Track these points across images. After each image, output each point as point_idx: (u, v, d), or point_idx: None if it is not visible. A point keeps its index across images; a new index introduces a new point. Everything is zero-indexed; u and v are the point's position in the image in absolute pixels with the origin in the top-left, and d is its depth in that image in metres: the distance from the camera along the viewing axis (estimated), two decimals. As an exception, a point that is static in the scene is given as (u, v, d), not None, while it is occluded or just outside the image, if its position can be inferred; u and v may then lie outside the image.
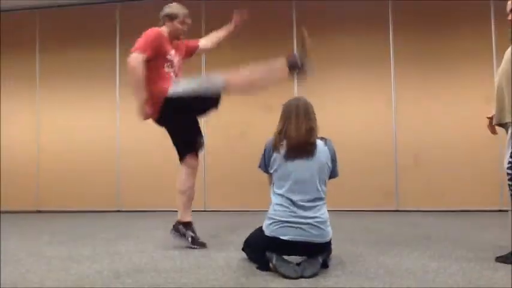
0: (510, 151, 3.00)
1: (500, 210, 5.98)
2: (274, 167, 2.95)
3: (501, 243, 3.40)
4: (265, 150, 3.11)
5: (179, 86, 3.63)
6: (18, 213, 6.76)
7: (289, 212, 2.76)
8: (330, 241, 2.83)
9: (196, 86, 3.68)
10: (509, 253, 2.95)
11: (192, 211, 6.53)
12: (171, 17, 3.81)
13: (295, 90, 6.74)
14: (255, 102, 6.82)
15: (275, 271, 2.63)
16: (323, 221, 2.75)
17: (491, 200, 6.12)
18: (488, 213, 5.71)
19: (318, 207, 2.77)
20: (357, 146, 6.51)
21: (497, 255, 2.99)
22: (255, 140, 6.77)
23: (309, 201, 2.77)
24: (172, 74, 3.75)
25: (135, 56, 3.51)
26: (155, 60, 3.62)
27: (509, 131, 3.04)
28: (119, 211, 6.77)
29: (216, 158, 6.84)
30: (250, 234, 3.08)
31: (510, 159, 2.99)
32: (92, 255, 3.37)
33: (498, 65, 6.13)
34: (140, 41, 3.59)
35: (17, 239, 4.20)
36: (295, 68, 3.71)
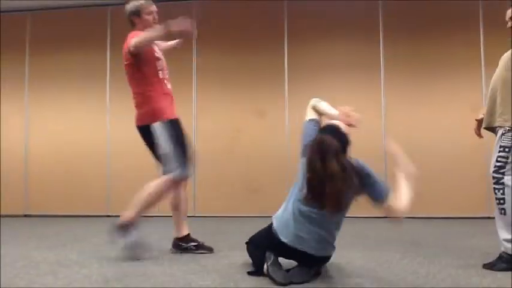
0: (497, 155, 3.04)
1: (487, 217, 6.04)
2: (301, 171, 2.85)
3: (489, 250, 3.43)
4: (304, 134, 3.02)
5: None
6: (5, 218, 6.68)
7: (295, 218, 2.68)
8: (330, 256, 2.80)
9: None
10: (495, 260, 3.00)
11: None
12: (137, 13, 3.63)
13: (286, 95, 6.77)
14: (247, 107, 6.84)
15: (267, 274, 2.63)
16: (327, 238, 2.67)
17: (478, 207, 6.18)
18: (475, 220, 5.76)
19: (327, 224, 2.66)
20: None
21: (484, 262, 3.03)
22: (247, 145, 6.82)
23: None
24: (165, 81, 3.66)
25: (134, 40, 3.41)
26: (148, 67, 3.54)
27: (498, 135, 3.08)
28: (108, 216, 6.72)
29: (207, 163, 6.83)
30: (259, 230, 2.97)
31: (496, 164, 3.03)
32: (81, 260, 3.35)
33: (487, 74, 6.31)
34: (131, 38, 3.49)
35: (4, 244, 4.15)
36: None
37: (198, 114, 6.95)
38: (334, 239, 2.71)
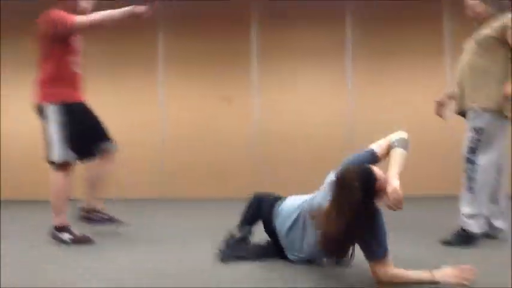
0: (470, 136, 3.11)
1: (449, 196, 6.21)
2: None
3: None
4: None
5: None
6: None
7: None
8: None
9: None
10: (453, 236, 3.07)
11: (148, 199, 6.50)
12: None
13: (254, 81, 6.75)
14: (214, 93, 6.80)
15: (228, 242, 2.71)
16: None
17: (439, 187, 6.37)
18: (435, 199, 5.90)
19: None
20: (313, 137, 6.61)
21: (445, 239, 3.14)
22: (214, 131, 6.79)
23: None
24: (75, 64, 3.38)
25: (76, 21, 3.16)
26: (64, 46, 3.27)
27: (470, 117, 3.16)
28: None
29: (175, 149, 6.79)
30: (268, 196, 2.82)
31: (469, 144, 3.11)
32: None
33: (451, 59, 6.44)
34: (56, 18, 3.19)
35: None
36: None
37: (166, 101, 6.86)
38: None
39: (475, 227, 3.04)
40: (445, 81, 6.48)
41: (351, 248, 2.11)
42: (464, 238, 3.04)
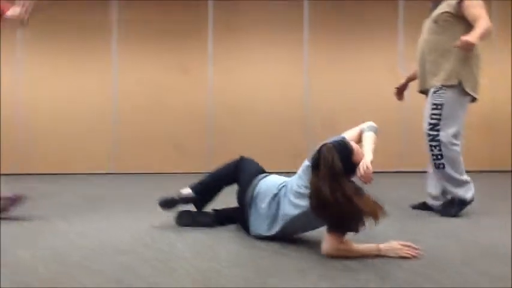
0: (430, 113, 3.19)
1: (402, 172, 6.43)
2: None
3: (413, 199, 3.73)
4: None
5: None
6: None
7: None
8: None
9: None
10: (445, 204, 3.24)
11: (102, 174, 6.37)
12: None
13: (210, 51, 6.65)
14: (170, 63, 6.65)
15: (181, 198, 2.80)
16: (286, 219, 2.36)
17: (393, 162, 6.57)
18: (391, 174, 6.09)
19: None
20: (269, 110, 6.62)
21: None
22: (170, 102, 6.66)
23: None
24: None
25: None
26: None
27: (429, 94, 3.24)
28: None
29: (129, 120, 6.63)
30: (252, 168, 2.80)
31: (430, 121, 3.18)
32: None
33: (405, 36, 6.57)
34: None
35: None
36: None
37: (120, 71, 6.65)
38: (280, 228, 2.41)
39: (464, 193, 3.16)
40: (397, 58, 6.60)
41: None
42: (457, 206, 3.16)
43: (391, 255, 2.11)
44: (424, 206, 3.47)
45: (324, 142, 2.21)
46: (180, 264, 2.03)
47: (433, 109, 3.17)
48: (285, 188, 2.41)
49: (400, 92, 3.74)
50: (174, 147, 6.61)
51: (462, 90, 3.14)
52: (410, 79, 3.68)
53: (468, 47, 2.95)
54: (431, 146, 3.19)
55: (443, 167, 3.15)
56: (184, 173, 6.34)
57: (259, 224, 2.48)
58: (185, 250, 2.26)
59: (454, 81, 3.13)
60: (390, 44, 6.66)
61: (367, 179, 2.13)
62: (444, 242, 2.45)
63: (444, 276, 1.86)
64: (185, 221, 2.85)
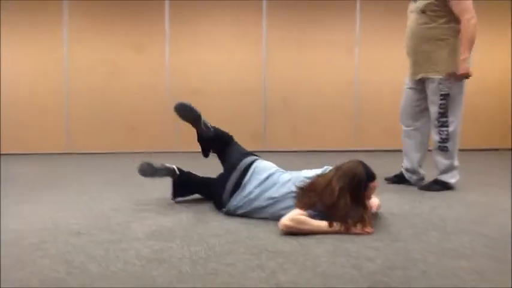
0: (439, 103, 3.33)
1: (355, 151, 6.57)
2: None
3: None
4: None
5: None
6: None
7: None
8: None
9: None
10: (430, 183, 3.47)
11: (56, 154, 6.22)
12: None
13: (167, 31, 6.53)
14: (123, 41, 6.50)
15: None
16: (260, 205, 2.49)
17: (348, 142, 6.70)
18: (345, 153, 6.20)
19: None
20: (228, 90, 6.59)
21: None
22: (123, 82, 6.53)
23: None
24: None
25: None
26: None
27: (433, 85, 3.36)
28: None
29: (81, 99, 6.46)
30: (236, 147, 2.97)
31: (440, 110, 3.34)
32: None
33: (363, 16, 6.63)
34: None
35: None
36: None
37: (70, 48, 6.45)
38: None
39: (450, 178, 3.41)
40: (355, 38, 6.67)
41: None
42: (441, 186, 3.41)
43: (346, 231, 2.17)
44: (398, 179, 3.73)
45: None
46: (132, 245, 2.02)
47: (441, 99, 3.34)
48: (278, 176, 2.54)
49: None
50: (131, 128, 6.51)
51: (461, 78, 3.30)
52: None
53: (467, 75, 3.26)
54: (440, 131, 3.38)
55: (447, 150, 3.37)
56: (141, 152, 6.27)
57: (240, 201, 2.54)
58: (139, 231, 2.25)
59: (454, 70, 3.28)
60: (348, 23, 6.71)
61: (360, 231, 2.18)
62: (397, 216, 2.53)
63: (392, 250, 1.93)
64: (147, 171, 2.91)
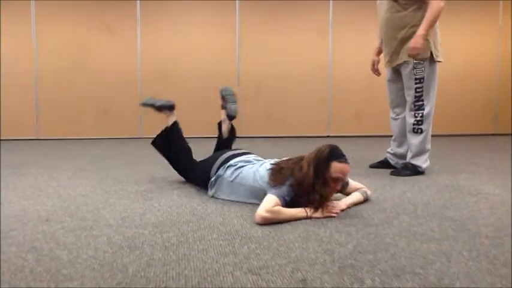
0: (415, 87, 3.39)
1: (327, 136, 6.62)
2: None
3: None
4: None
5: None
6: None
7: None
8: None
9: None
10: (400, 168, 3.55)
11: (26, 139, 6.09)
12: None
13: (138, 14, 6.41)
14: (94, 23, 6.35)
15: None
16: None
17: (320, 128, 6.74)
18: (318, 139, 6.25)
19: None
20: (200, 73, 6.53)
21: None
22: (94, 65, 6.39)
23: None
24: None
25: None
26: None
27: (407, 69, 3.41)
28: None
29: (51, 83, 6.31)
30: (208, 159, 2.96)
31: (416, 94, 3.40)
32: None
33: (334, 3, 6.64)
34: None
35: None
36: None
37: (39, 30, 6.27)
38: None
39: (422, 163, 3.49)
40: (328, 23, 6.68)
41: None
42: (412, 171, 3.47)
43: (318, 216, 2.20)
44: (383, 165, 3.82)
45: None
46: (103, 231, 1.99)
47: (417, 83, 3.40)
48: (252, 164, 2.61)
49: (375, 68, 3.84)
50: (102, 111, 6.40)
51: (433, 59, 3.37)
52: (378, 53, 3.81)
53: (419, 49, 3.27)
54: (415, 113, 3.44)
55: (421, 132, 3.44)
56: (112, 138, 6.18)
57: (222, 188, 2.65)
58: (110, 218, 2.22)
59: (427, 54, 3.34)
60: (322, 7, 6.71)
61: (330, 212, 2.23)
62: (369, 201, 2.57)
63: (363, 234, 1.95)
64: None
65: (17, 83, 6.25)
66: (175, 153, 3.10)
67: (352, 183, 2.60)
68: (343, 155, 2.30)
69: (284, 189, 2.25)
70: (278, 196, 2.20)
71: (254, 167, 2.54)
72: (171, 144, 3.11)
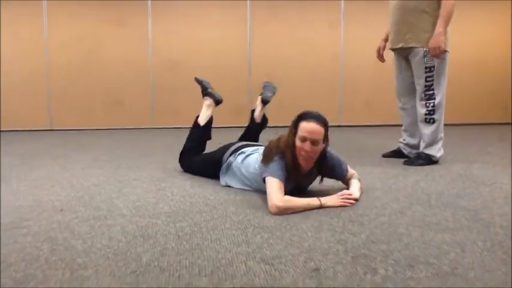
0: (425, 76, 3.35)
1: (339, 126, 6.59)
2: None
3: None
4: None
5: None
6: None
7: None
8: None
9: None
10: (413, 158, 3.53)
11: (38, 130, 6.15)
12: None
13: (149, 5, 6.41)
14: (105, 16, 6.36)
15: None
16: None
17: (332, 117, 6.72)
18: (330, 129, 6.21)
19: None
20: (212, 64, 6.52)
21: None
22: (105, 56, 6.41)
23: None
24: None
25: None
26: None
27: (417, 57, 3.36)
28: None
29: (63, 75, 6.35)
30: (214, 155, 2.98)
31: (426, 83, 3.35)
32: None
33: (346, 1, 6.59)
34: None
35: None
36: None
37: (50, 23, 6.30)
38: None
39: (435, 152, 3.44)
40: (340, 14, 6.63)
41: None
42: (426, 160, 3.43)
43: (332, 205, 2.19)
44: (395, 154, 3.76)
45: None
46: (117, 221, 2.00)
47: (427, 72, 3.35)
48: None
49: (380, 54, 3.79)
50: (114, 102, 6.43)
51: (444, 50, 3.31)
52: (386, 40, 3.75)
53: (441, 50, 3.23)
54: (427, 103, 3.39)
55: (433, 122, 3.40)
56: (124, 129, 6.21)
57: (232, 174, 2.70)
58: (124, 207, 2.24)
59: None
60: (330, 2, 6.66)
61: (345, 202, 2.23)
62: (381, 191, 2.55)
63: (376, 224, 1.94)
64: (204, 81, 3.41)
65: (30, 75, 6.30)
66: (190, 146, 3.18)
67: (351, 171, 2.57)
68: (315, 116, 2.28)
69: (275, 164, 2.25)
70: (273, 174, 2.21)
71: (258, 155, 2.54)
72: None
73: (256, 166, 2.45)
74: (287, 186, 2.25)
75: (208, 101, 3.30)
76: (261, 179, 2.34)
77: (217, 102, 3.31)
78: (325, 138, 2.31)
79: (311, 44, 6.65)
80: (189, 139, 3.21)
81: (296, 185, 2.37)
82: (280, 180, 2.20)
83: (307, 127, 2.24)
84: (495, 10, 6.90)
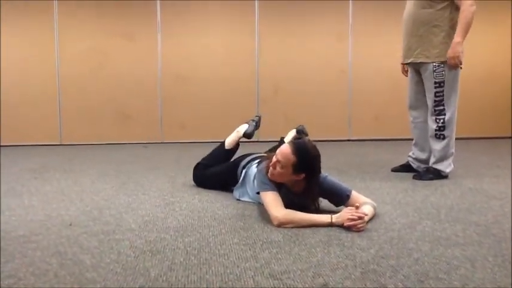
0: (434, 91, 3.33)
1: (348, 140, 6.57)
2: None
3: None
4: None
5: None
6: None
7: None
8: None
9: None
10: (423, 172, 3.49)
11: (48, 145, 6.19)
12: None
13: (159, 18, 6.47)
14: (115, 30, 6.43)
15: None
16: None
17: (341, 130, 6.70)
18: (339, 143, 6.21)
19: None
20: (220, 77, 6.55)
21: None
22: (114, 70, 6.47)
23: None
24: None
25: None
26: None
27: (427, 71, 3.35)
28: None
29: (73, 89, 6.41)
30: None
31: (436, 99, 3.34)
32: None
33: (354, 6, 6.61)
34: None
35: None
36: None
37: (61, 37, 6.38)
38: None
39: (445, 168, 3.41)
40: (348, 27, 6.65)
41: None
42: (435, 175, 3.40)
43: (341, 222, 2.08)
44: (404, 169, 3.75)
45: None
46: (126, 236, 2.01)
47: (436, 87, 3.34)
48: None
49: (405, 69, 3.76)
50: (124, 116, 6.47)
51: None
52: None
53: (459, 60, 3.23)
54: (437, 119, 3.38)
55: (444, 138, 3.38)
56: (133, 143, 6.24)
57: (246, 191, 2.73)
58: (133, 222, 2.24)
59: (445, 58, 3.27)
60: (342, 10, 6.68)
61: (354, 226, 2.04)
62: (390, 205, 2.54)
63: (385, 239, 1.93)
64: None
65: (40, 89, 6.36)
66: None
67: (360, 197, 2.36)
68: (296, 144, 2.27)
69: (262, 177, 2.32)
70: (264, 188, 2.27)
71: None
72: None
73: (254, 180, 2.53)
74: (284, 199, 2.25)
75: (242, 127, 3.51)
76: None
77: (247, 135, 3.42)
78: (297, 170, 2.22)
79: (319, 56, 6.66)
80: (211, 154, 3.29)
81: (292, 202, 2.29)
82: (273, 191, 2.23)
83: (282, 148, 2.28)
84: (502, 21, 6.88)
